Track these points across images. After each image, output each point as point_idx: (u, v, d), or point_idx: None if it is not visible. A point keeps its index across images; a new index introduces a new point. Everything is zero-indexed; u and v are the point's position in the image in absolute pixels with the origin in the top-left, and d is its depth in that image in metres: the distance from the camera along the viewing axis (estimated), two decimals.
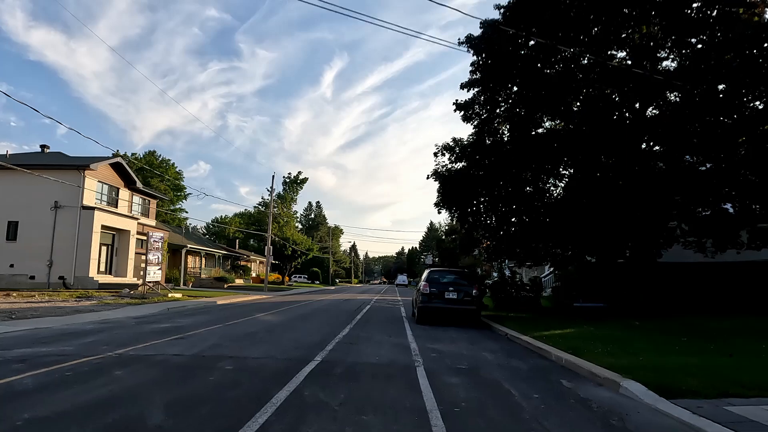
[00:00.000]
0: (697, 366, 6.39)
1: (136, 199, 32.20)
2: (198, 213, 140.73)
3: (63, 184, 24.23)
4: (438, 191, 17.42)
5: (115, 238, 29.10)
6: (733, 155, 12.87)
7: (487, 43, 15.01)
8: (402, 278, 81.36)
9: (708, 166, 13.78)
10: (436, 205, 17.62)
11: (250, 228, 63.21)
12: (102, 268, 27.58)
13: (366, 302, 24.06)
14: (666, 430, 4.26)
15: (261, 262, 57.11)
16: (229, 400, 4.70)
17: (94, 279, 25.27)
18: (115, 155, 30.87)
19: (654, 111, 14.66)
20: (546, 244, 16.96)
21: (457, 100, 16.72)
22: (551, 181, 17.45)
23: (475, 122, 16.73)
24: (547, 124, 17.00)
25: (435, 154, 17.34)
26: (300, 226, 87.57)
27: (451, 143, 17.14)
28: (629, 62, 14.31)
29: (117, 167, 29.32)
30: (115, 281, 26.88)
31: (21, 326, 9.91)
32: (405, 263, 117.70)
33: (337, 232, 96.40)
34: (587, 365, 6.73)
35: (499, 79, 15.49)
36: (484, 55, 15.31)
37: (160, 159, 63.86)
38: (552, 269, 26.12)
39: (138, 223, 30.16)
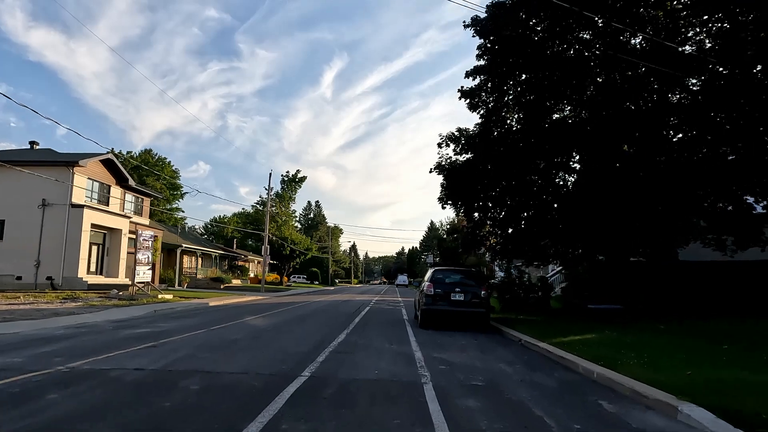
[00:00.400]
0: (764, 384, 5.30)
1: (129, 197, 31.10)
2: (197, 213, 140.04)
3: (51, 181, 23.20)
4: (442, 185, 16.38)
5: (106, 238, 28.06)
6: (763, 143, 11.81)
7: (494, 24, 13.92)
8: (402, 278, 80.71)
9: (732, 157, 12.74)
10: (440, 200, 16.53)
11: (248, 228, 62.12)
12: (92, 269, 26.56)
13: (365, 303, 23.10)
14: None
15: (259, 263, 55.95)
16: None
17: (83, 279, 24.23)
18: (109, 153, 29.83)
19: (679, 96, 13.53)
20: (555, 242, 15.98)
21: (462, 87, 15.73)
22: (561, 174, 16.45)
23: (482, 111, 15.69)
24: (558, 114, 15.93)
25: (439, 145, 16.30)
26: (299, 226, 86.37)
27: (456, 133, 16.07)
28: (650, 42, 13.18)
29: (108, 164, 28.23)
30: (105, 282, 25.82)
31: None
32: (405, 263, 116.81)
33: (336, 231, 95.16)
34: (627, 381, 5.66)
35: (507, 64, 14.41)
36: (492, 37, 14.23)
37: (156, 157, 62.78)
38: (560, 269, 25.11)
39: (130, 222, 28.97)
